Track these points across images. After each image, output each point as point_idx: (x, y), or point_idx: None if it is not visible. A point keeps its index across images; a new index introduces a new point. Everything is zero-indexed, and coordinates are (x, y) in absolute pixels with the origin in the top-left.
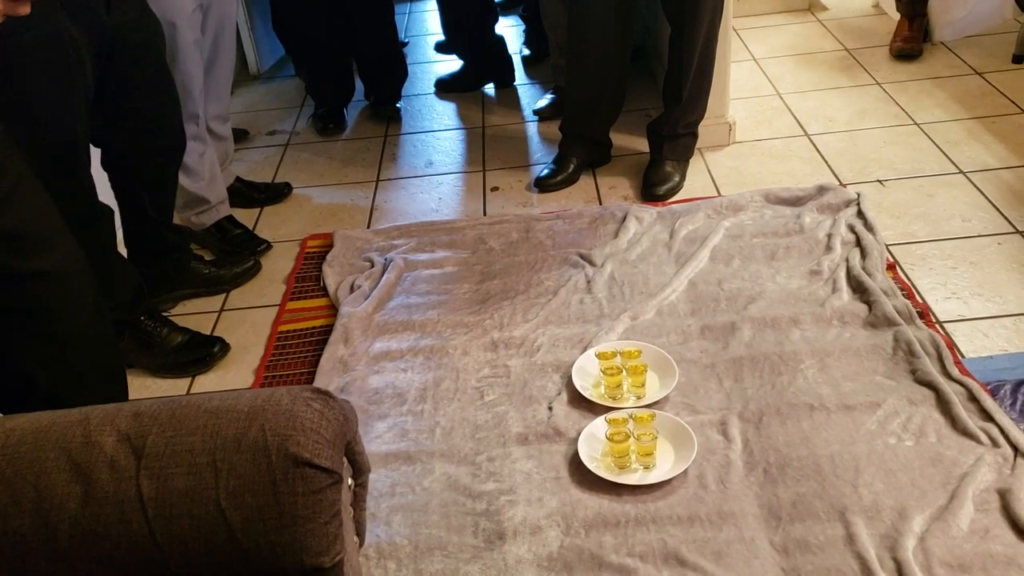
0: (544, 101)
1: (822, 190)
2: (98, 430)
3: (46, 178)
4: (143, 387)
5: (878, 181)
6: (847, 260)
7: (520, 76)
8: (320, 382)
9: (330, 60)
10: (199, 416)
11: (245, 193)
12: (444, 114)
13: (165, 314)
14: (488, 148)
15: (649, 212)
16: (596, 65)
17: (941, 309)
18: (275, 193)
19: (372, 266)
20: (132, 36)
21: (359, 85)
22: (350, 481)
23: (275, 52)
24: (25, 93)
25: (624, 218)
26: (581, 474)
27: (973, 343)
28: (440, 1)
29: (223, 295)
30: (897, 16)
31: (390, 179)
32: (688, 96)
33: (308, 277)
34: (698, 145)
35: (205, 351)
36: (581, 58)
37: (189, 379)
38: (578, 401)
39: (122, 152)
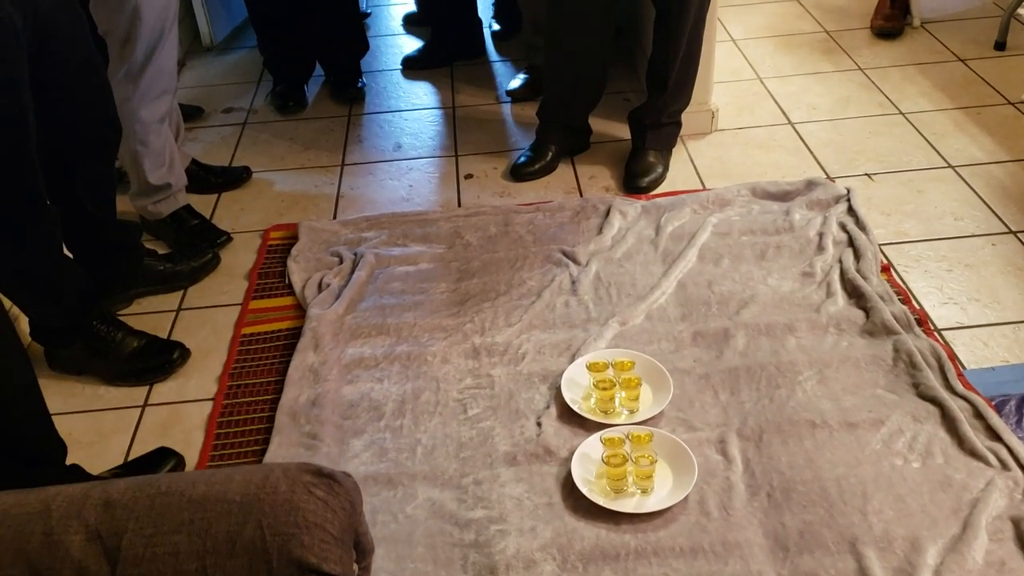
0: (517, 81)
1: (811, 185)
2: (62, 525)
3: None
4: (96, 396)
5: (866, 175)
6: (840, 261)
7: (490, 52)
8: (290, 393)
9: (288, 30)
10: (183, 508)
11: (201, 177)
12: (411, 92)
13: (119, 315)
14: (459, 131)
15: (633, 206)
16: (577, 49)
17: (939, 315)
18: (233, 178)
19: (341, 262)
20: (61, 16)
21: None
22: (354, 566)
23: (230, 22)
24: None
25: (607, 212)
26: (575, 499)
27: (974, 353)
28: None
29: (180, 292)
30: None
31: (356, 164)
32: (674, 84)
33: (271, 273)
34: (680, 133)
35: (164, 358)
36: (562, 41)
37: (147, 387)
38: (568, 416)
39: (55, 146)
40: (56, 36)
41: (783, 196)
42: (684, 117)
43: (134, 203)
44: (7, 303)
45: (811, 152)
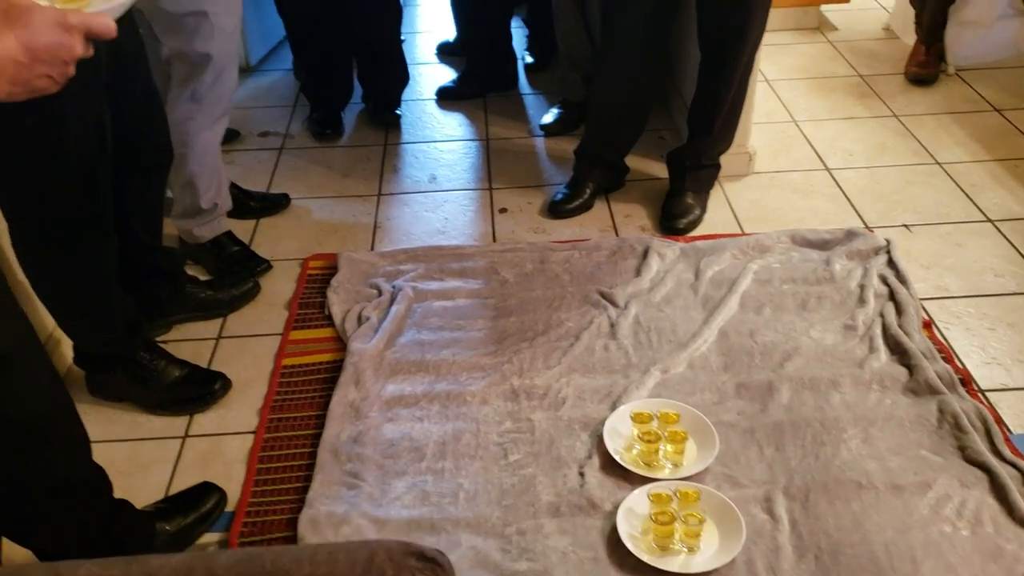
0: (551, 116)
1: (851, 235)
2: None
3: (65, 198)
4: (135, 425)
5: (904, 226)
6: (882, 315)
7: (522, 85)
8: (331, 429)
9: (329, 58)
10: None
11: (241, 201)
12: (445, 123)
13: (159, 340)
14: (493, 164)
15: (672, 248)
16: (624, 92)
17: (982, 376)
18: (272, 204)
19: (379, 294)
20: (128, 44)
21: (358, 88)
22: None
23: (266, 43)
24: (57, 110)
25: (645, 253)
26: (621, 555)
27: (1020, 417)
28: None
29: (220, 320)
30: (910, 41)
31: (392, 194)
32: (718, 128)
33: (311, 303)
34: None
35: (206, 388)
36: (608, 84)
37: (187, 417)
38: (611, 467)
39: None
40: (122, 64)
41: (823, 245)
42: (721, 158)
43: (178, 224)
44: (49, 326)
45: (848, 200)
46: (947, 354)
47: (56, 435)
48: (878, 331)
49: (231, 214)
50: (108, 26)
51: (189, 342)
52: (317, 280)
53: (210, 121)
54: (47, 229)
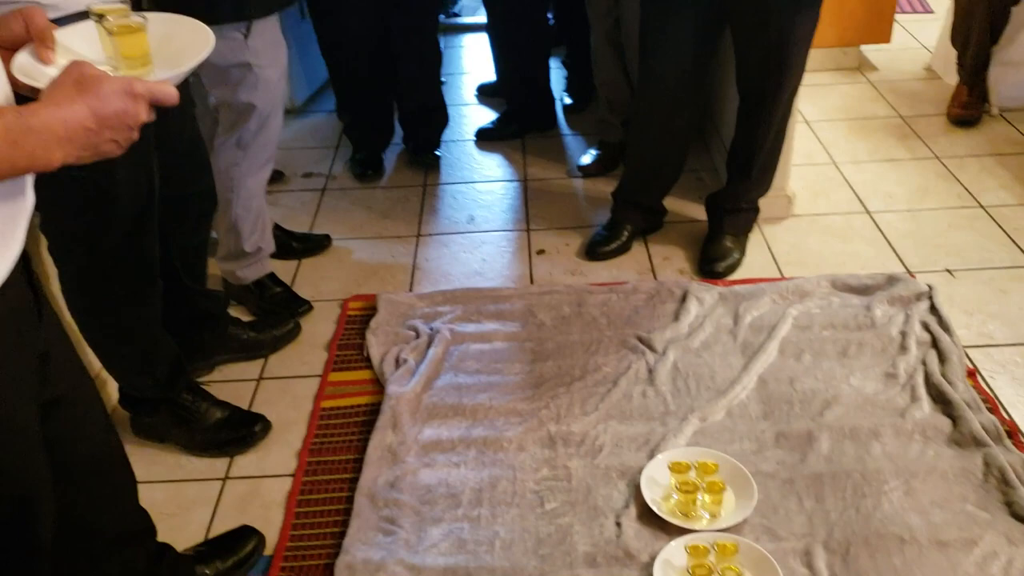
0: (588, 157)
1: (892, 280)
2: None
3: (113, 245)
4: (177, 466)
5: (947, 271)
6: (924, 363)
7: (560, 125)
8: (368, 474)
9: (371, 102)
10: None
11: (284, 242)
12: (484, 163)
13: (200, 381)
14: (531, 205)
15: (710, 292)
16: (662, 136)
17: None
18: (314, 245)
19: (417, 336)
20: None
21: (398, 129)
22: None
23: (311, 84)
24: (110, 171)
25: (683, 297)
26: None
27: None
28: (495, 41)
29: (261, 360)
30: (952, 81)
31: (431, 234)
32: (757, 172)
33: (350, 345)
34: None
35: (246, 430)
36: (646, 127)
37: (228, 459)
38: (648, 517)
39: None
40: (170, 114)
41: (863, 290)
42: (760, 201)
43: (222, 267)
44: (95, 367)
45: (889, 244)
46: (992, 404)
47: (108, 478)
48: (920, 380)
49: (274, 254)
50: (171, 94)
51: (231, 383)
52: (356, 321)
53: (255, 167)
54: (95, 274)
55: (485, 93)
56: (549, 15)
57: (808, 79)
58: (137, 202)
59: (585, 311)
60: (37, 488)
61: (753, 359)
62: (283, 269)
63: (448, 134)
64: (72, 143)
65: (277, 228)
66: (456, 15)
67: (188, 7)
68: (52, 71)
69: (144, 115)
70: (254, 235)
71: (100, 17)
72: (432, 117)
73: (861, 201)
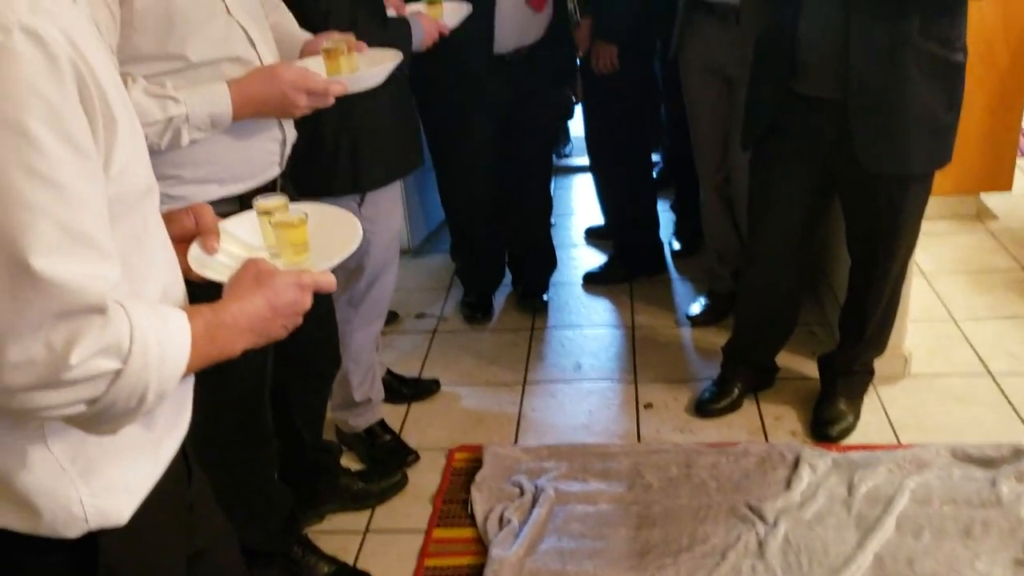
0: (698, 306)
1: (1019, 453)
2: None
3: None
4: None
5: None
6: None
7: (669, 270)
8: None
9: (484, 246)
10: None
11: (394, 387)
12: (591, 308)
13: (309, 531)
14: (639, 354)
15: (824, 459)
16: (772, 295)
17: None
18: (423, 390)
19: (521, 494)
20: None
21: (507, 271)
22: None
23: (427, 226)
24: None
25: (796, 463)
26: None
27: None
28: (600, 183)
29: (368, 511)
30: None
31: (537, 382)
32: (871, 333)
33: (455, 499)
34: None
35: None
36: (755, 286)
37: None
38: None
39: (281, 380)
40: None
41: (987, 462)
42: (875, 361)
43: (334, 415)
44: None
45: (1015, 411)
46: None
47: None
48: None
49: (386, 398)
50: (331, 283)
51: (338, 534)
52: (461, 473)
53: (365, 323)
54: (210, 437)
55: (594, 236)
56: (655, 155)
57: (924, 227)
58: (254, 372)
59: (694, 473)
60: None
61: (869, 535)
62: (393, 414)
63: (556, 276)
64: (252, 332)
65: (389, 373)
66: (567, 156)
67: (308, 181)
68: (222, 259)
69: (308, 303)
70: (363, 385)
71: (265, 213)
72: (541, 261)
73: (983, 361)
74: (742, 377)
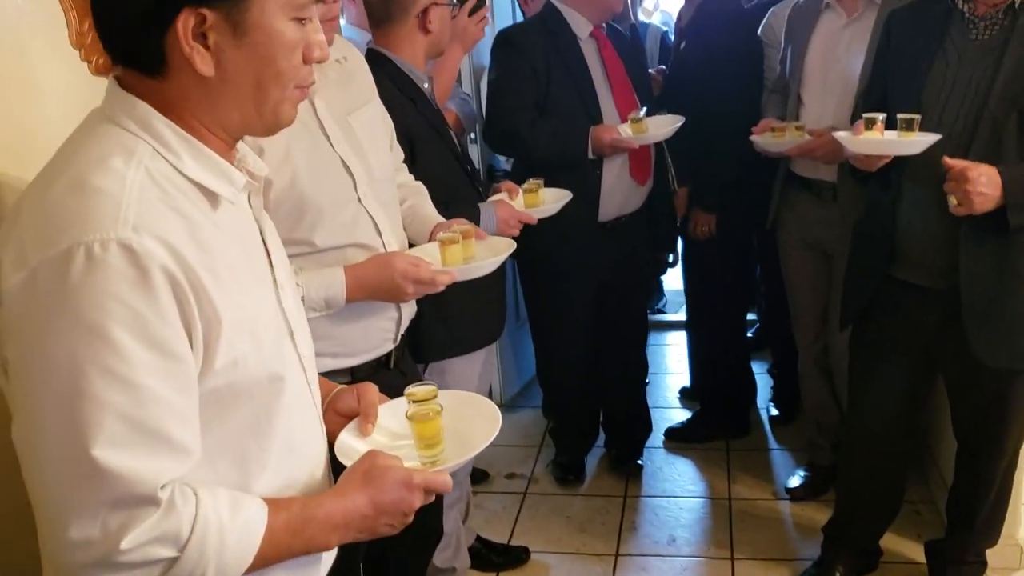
0: (797, 479)
1: None
2: None
3: None
4: None
5: None
6: None
7: (768, 438)
8: None
9: (577, 407)
10: None
11: (484, 555)
12: (686, 475)
13: None
14: (736, 528)
15: None
16: (874, 477)
17: None
18: (513, 559)
19: None
20: None
21: (601, 431)
22: None
23: (520, 379)
24: None
25: None
26: None
27: None
28: (694, 341)
29: None
30: None
31: (630, 555)
32: (981, 522)
33: None
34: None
35: None
36: (855, 465)
37: None
38: None
39: (381, 552)
40: None
41: None
42: (988, 551)
43: None
44: None
45: None
46: None
47: None
48: None
49: (473, 565)
50: (445, 483)
51: None
52: None
53: (450, 501)
54: None
55: (687, 397)
56: (752, 315)
57: None
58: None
59: None
60: None
61: None
62: None
63: (651, 439)
64: (348, 528)
65: (478, 540)
66: (661, 311)
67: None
68: (359, 445)
69: (418, 502)
70: (446, 551)
71: (413, 402)
72: (635, 425)
73: None
74: (843, 560)
